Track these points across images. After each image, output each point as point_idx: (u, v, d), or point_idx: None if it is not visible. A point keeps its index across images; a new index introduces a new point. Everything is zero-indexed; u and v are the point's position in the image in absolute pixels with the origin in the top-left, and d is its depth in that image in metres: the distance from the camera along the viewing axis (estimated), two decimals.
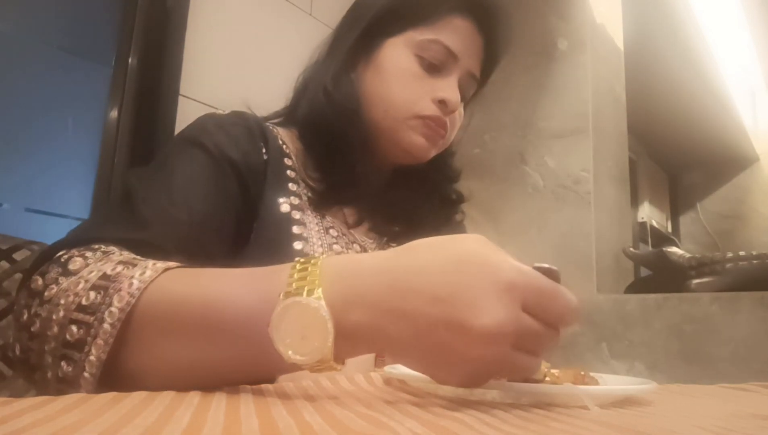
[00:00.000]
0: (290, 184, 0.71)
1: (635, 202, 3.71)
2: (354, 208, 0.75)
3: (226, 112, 0.72)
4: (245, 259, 0.63)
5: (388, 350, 0.39)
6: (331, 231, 0.71)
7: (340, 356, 0.37)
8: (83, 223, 0.58)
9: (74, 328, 0.41)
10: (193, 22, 1.39)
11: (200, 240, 0.58)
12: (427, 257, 0.38)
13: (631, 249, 1.84)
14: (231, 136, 0.66)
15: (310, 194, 0.71)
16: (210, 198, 0.61)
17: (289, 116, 0.78)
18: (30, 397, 0.32)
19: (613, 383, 0.47)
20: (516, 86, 1.90)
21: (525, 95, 1.88)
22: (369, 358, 0.58)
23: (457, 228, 0.88)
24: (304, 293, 0.37)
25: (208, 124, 0.67)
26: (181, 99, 1.34)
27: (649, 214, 3.97)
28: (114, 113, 1.33)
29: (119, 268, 0.44)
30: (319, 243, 0.68)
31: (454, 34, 0.73)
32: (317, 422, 0.30)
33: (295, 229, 0.67)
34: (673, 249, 1.71)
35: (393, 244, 0.76)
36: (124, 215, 0.56)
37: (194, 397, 0.35)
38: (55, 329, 0.42)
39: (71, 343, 0.41)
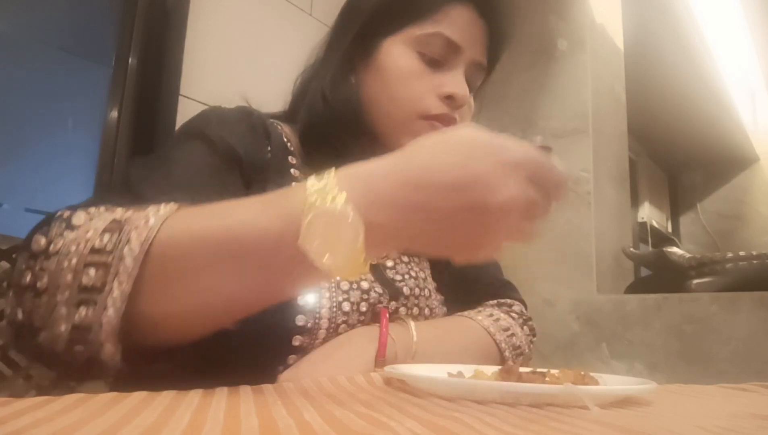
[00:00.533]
0: (294, 184, 0.69)
1: (635, 202, 3.71)
2: None
3: (231, 107, 0.70)
4: None
5: (412, 244, 0.41)
6: None
7: (368, 257, 0.39)
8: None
9: (91, 270, 0.40)
10: (193, 22, 1.39)
11: None
12: (434, 151, 0.40)
13: (631, 249, 1.84)
14: (235, 131, 0.65)
15: None
16: (211, 188, 0.60)
17: (288, 120, 0.76)
18: (30, 397, 0.32)
19: (613, 383, 0.47)
20: (516, 86, 1.90)
21: (525, 95, 1.88)
22: (369, 358, 0.58)
23: None
24: (329, 201, 0.38)
25: (211, 117, 0.66)
26: (181, 99, 1.34)
27: (649, 214, 3.97)
28: (114, 113, 1.33)
29: (128, 213, 0.42)
30: None
31: (454, 24, 0.69)
32: (317, 422, 0.30)
33: None
34: (673, 249, 1.71)
35: (400, 257, 0.72)
36: (124, 196, 0.55)
37: (194, 397, 0.35)
38: (69, 277, 0.40)
39: (89, 287, 0.39)
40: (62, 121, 1.30)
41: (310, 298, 0.58)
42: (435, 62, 0.69)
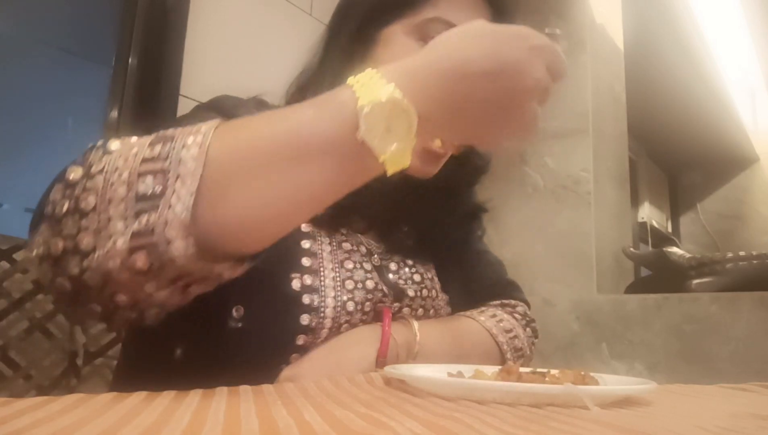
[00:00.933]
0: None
1: (635, 202, 3.71)
2: (363, 216, 0.69)
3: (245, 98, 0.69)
4: (254, 258, 0.61)
5: (453, 131, 0.45)
6: (341, 229, 0.67)
7: (419, 144, 0.43)
8: None
9: (148, 178, 0.38)
10: (193, 22, 1.39)
11: None
12: (464, 42, 0.43)
13: (631, 249, 1.84)
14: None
15: None
16: None
17: None
18: (30, 397, 0.32)
19: (613, 383, 0.47)
20: None
21: None
22: (371, 357, 0.58)
23: (478, 244, 0.83)
24: (379, 94, 0.40)
25: (226, 101, 0.66)
26: (181, 99, 1.34)
27: (649, 214, 3.97)
28: (114, 113, 1.33)
29: (171, 130, 0.41)
30: (328, 240, 0.64)
31: (453, 6, 0.66)
32: (317, 422, 0.30)
33: (303, 226, 0.64)
34: (673, 249, 1.71)
35: (404, 260, 0.70)
36: None
37: (194, 398, 0.35)
38: (122, 190, 0.38)
39: (147, 195, 0.38)
40: (62, 121, 1.30)
41: (315, 298, 0.58)
42: None
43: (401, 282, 0.67)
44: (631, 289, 1.76)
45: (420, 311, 0.68)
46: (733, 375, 1.37)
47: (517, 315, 0.77)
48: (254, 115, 0.43)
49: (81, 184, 0.40)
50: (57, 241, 0.40)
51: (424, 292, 0.69)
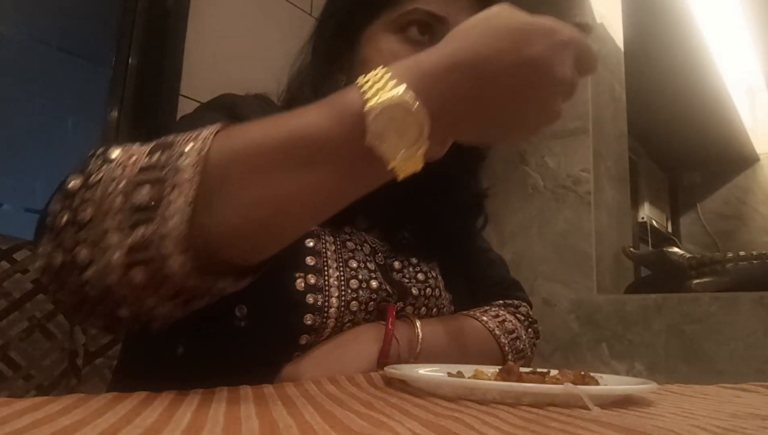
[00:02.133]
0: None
1: (635, 202, 3.71)
2: (365, 213, 0.69)
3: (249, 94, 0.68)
4: None
5: (469, 130, 0.42)
6: (344, 227, 0.66)
7: (431, 149, 0.39)
8: None
9: (144, 189, 0.37)
10: (193, 22, 1.39)
11: None
12: (483, 37, 0.40)
13: (631, 249, 1.84)
14: (253, 114, 0.63)
15: None
16: None
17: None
18: (30, 397, 0.32)
19: (613, 383, 0.47)
20: None
21: None
22: (372, 357, 0.58)
23: (482, 242, 0.83)
24: (389, 94, 0.37)
25: (227, 100, 0.65)
26: (181, 99, 1.34)
27: (649, 214, 3.96)
28: (114, 113, 1.33)
29: (171, 137, 0.40)
30: (332, 239, 0.64)
31: None
32: (317, 422, 0.30)
33: (308, 242, 0.62)
34: (673, 249, 1.71)
35: (408, 258, 0.70)
36: None
37: (194, 398, 0.35)
38: (118, 201, 0.37)
39: (143, 206, 0.37)
40: (62, 121, 1.30)
41: (319, 297, 0.58)
42: (419, 39, 0.64)
43: (405, 280, 0.67)
44: (631, 289, 1.76)
45: (423, 310, 0.68)
46: (733, 375, 1.37)
47: (520, 315, 0.77)
48: (257, 120, 0.41)
49: (80, 194, 0.39)
50: (56, 254, 0.39)
51: (428, 290, 0.68)
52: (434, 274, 0.71)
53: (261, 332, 0.55)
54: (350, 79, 0.67)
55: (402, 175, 0.39)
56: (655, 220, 3.97)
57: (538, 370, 0.48)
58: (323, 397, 0.38)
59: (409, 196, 0.70)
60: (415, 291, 0.67)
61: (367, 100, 0.37)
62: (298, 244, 0.59)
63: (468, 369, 0.49)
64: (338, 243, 0.64)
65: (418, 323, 0.63)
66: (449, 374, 0.47)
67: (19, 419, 0.27)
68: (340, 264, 0.61)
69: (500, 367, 0.49)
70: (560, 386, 0.39)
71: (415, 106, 0.37)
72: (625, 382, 0.48)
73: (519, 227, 1.81)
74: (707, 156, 4.12)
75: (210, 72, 1.41)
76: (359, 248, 0.65)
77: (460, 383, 0.42)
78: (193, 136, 0.39)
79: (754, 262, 1.56)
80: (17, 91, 1.24)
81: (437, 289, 0.70)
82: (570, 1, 1.87)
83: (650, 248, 3.45)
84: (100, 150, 0.41)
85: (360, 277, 0.62)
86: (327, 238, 0.63)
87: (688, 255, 1.67)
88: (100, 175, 0.38)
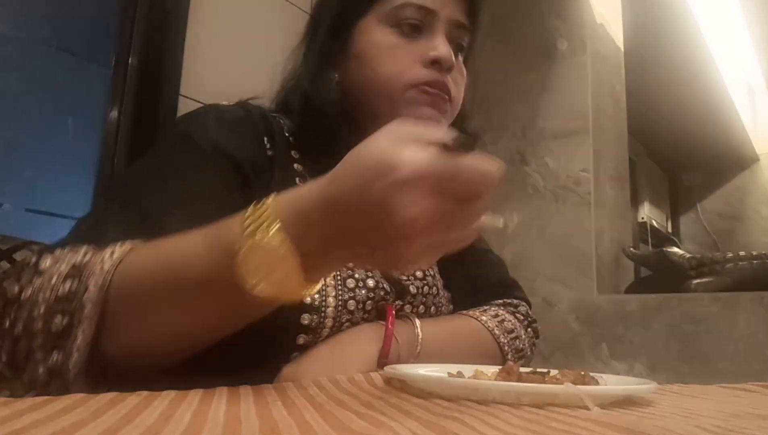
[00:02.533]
0: (298, 179, 0.66)
1: (635, 202, 3.71)
2: None
3: (232, 103, 0.69)
4: None
5: (340, 264, 0.45)
6: None
7: (306, 280, 0.40)
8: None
9: (58, 318, 0.44)
10: (193, 22, 1.39)
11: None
12: (347, 178, 0.39)
13: (631, 249, 1.84)
14: (232, 132, 0.63)
15: None
16: (204, 199, 0.58)
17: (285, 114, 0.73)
18: (30, 397, 0.32)
19: (613, 383, 0.47)
20: (516, 87, 1.90)
21: (525, 96, 1.88)
22: (372, 357, 0.58)
23: (481, 243, 0.84)
24: (263, 232, 0.39)
25: (209, 119, 0.64)
26: (181, 99, 1.34)
27: (649, 214, 3.96)
28: (114, 113, 1.33)
29: (88, 255, 0.46)
30: None
31: None
32: (317, 422, 0.30)
33: None
34: (673, 249, 1.71)
35: None
36: (95, 219, 0.56)
37: (194, 397, 0.35)
38: (40, 324, 0.44)
39: (58, 333, 0.43)
40: (62, 121, 1.30)
41: (316, 297, 0.57)
42: (412, 32, 0.67)
43: (403, 278, 0.67)
44: (631, 289, 1.76)
45: (421, 308, 0.68)
46: (733, 375, 1.37)
47: (519, 315, 0.77)
48: (157, 244, 0.46)
49: (15, 309, 0.45)
50: (2, 354, 0.47)
51: (426, 289, 0.69)
52: (432, 273, 0.72)
53: (257, 332, 0.55)
54: (343, 76, 0.69)
55: (282, 302, 0.41)
56: (655, 220, 3.97)
57: (538, 370, 0.48)
58: (323, 397, 0.38)
59: None
60: (413, 289, 0.67)
61: (241, 238, 0.40)
62: None
63: (468, 369, 0.49)
64: None
65: (417, 323, 0.63)
66: (449, 374, 0.47)
67: (19, 419, 0.27)
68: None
69: (500, 367, 0.49)
70: (560, 386, 0.39)
71: (284, 249, 0.39)
72: (625, 382, 0.48)
73: (519, 227, 1.81)
74: (707, 156, 4.12)
75: (210, 72, 1.41)
76: None
77: (460, 383, 0.42)
78: (97, 271, 0.44)
79: (754, 262, 1.56)
80: (17, 92, 1.24)
81: (435, 287, 0.70)
82: (570, 2, 1.88)
83: (650, 248, 3.45)
84: (34, 258, 0.48)
85: (357, 275, 0.61)
86: None
87: (688, 255, 1.67)
88: (29, 292, 0.45)
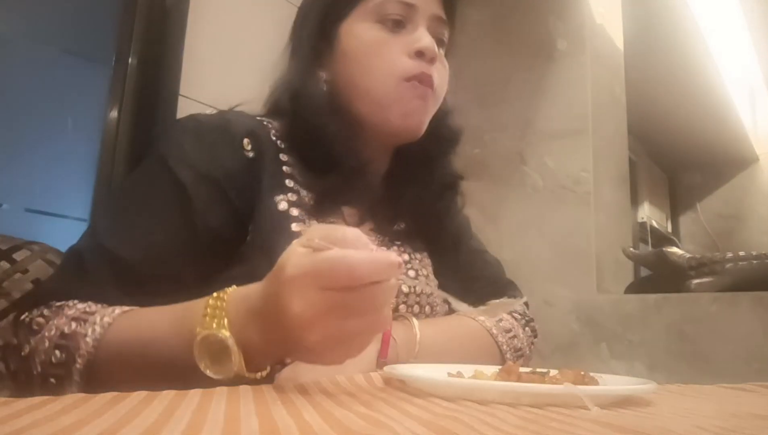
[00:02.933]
0: (287, 181, 0.68)
1: (635, 202, 3.71)
2: (354, 208, 0.72)
3: (214, 111, 0.70)
4: (243, 262, 0.62)
5: (280, 356, 0.50)
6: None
7: (252, 368, 0.46)
8: (49, 275, 0.68)
9: (52, 380, 0.53)
10: (193, 22, 1.39)
11: (153, 276, 0.60)
12: (268, 279, 0.45)
13: (631, 249, 1.84)
14: (207, 147, 0.64)
15: (306, 195, 0.68)
16: (173, 231, 0.61)
17: (269, 116, 0.75)
18: (30, 397, 0.32)
19: (613, 383, 0.47)
20: (515, 87, 1.90)
21: (524, 96, 1.88)
22: (371, 358, 0.58)
23: (460, 219, 0.85)
24: (214, 326, 0.45)
25: (186, 138, 0.65)
26: (181, 99, 1.34)
27: (649, 214, 3.97)
28: (114, 113, 1.33)
29: (73, 324, 0.54)
30: None
31: None
32: (317, 422, 0.30)
33: (294, 227, 0.65)
34: (673, 249, 1.71)
35: (397, 244, 0.73)
36: (76, 266, 0.60)
37: (194, 397, 0.35)
38: (38, 381, 0.53)
39: (52, 389, 0.52)
40: (62, 121, 1.30)
41: None
42: (395, 27, 0.71)
43: None
44: (631, 289, 1.76)
45: (416, 308, 0.68)
46: (733, 375, 1.37)
47: (516, 314, 0.77)
48: (134, 321, 0.54)
49: (15, 360, 0.56)
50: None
51: (418, 288, 0.69)
52: (425, 273, 0.72)
53: None
54: (331, 75, 0.72)
55: (238, 381, 0.44)
56: (655, 220, 3.97)
57: (538, 370, 0.48)
58: (323, 397, 0.38)
59: (393, 183, 0.76)
60: (405, 288, 0.67)
61: (199, 324, 0.46)
62: (285, 246, 0.62)
63: (468, 369, 0.49)
64: None
65: (415, 323, 0.63)
66: (449, 374, 0.47)
67: (19, 419, 0.27)
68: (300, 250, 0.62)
69: (500, 367, 0.49)
70: (560, 386, 0.39)
71: (230, 341, 0.44)
72: (625, 382, 0.48)
73: (519, 227, 1.81)
74: (707, 156, 4.12)
75: (210, 72, 1.41)
76: None
77: (460, 383, 0.42)
78: (83, 347, 0.52)
79: (754, 262, 1.55)
80: (17, 91, 1.24)
81: (428, 287, 0.71)
82: (569, 2, 1.87)
83: (650, 248, 3.45)
84: (27, 317, 0.56)
85: None
86: None
87: (687, 255, 1.67)
88: (27, 350, 0.54)
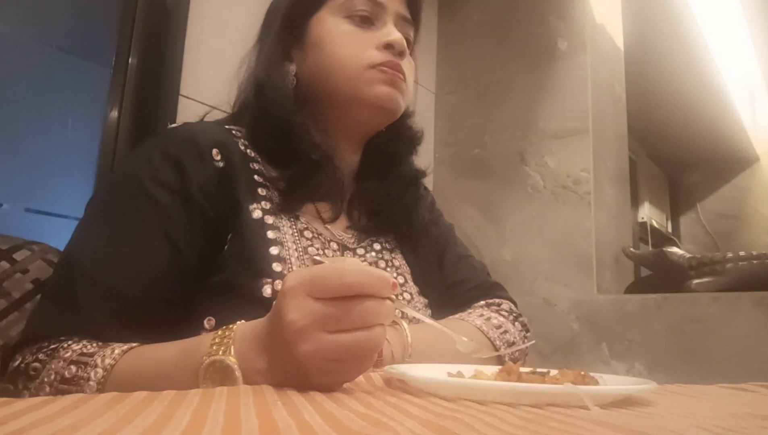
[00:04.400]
0: (260, 189, 0.69)
1: (635, 202, 3.71)
2: (327, 203, 0.74)
3: (179, 124, 0.71)
4: (221, 270, 0.63)
5: (280, 384, 0.49)
6: (305, 232, 0.69)
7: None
8: (34, 312, 0.65)
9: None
10: (193, 22, 1.39)
11: (145, 301, 0.60)
12: (273, 307, 0.45)
13: (631, 249, 1.84)
14: (178, 163, 0.64)
15: (277, 198, 0.70)
16: (160, 254, 0.61)
17: (236, 120, 0.76)
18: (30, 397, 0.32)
19: (613, 383, 0.47)
20: (516, 87, 1.90)
21: (525, 96, 1.88)
22: None
23: (443, 225, 0.88)
24: (220, 353, 0.47)
25: (153, 155, 0.65)
26: (181, 99, 1.34)
27: (649, 214, 3.97)
28: (114, 113, 1.33)
29: (72, 368, 0.53)
30: (294, 246, 0.67)
31: None
32: (317, 422, 0.30)
33: (270, 234, 0.66)
34: (673, 249, 1.71)
35: (372, 239, 0.76)
36: (65, 302, 0.59)
37: (194, 397, 0.35)
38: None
39: None
40: (62, 121, 1.30)
41: None
42: (364, 22, 0.74)
43: None
44: (631, 289, 1.76)
45: (397, 312, 0.68)
46: (733, 375, 1.37)
47: (503, 312, 0.78)
48: (136, 362, 0.54)
49: (22, 380, 0.56)
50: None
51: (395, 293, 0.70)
52: (403, 280, 0.75)
53: None
54: (299, 66, 0.75)
55: None
56: (655, 220, 3.97)
57: (538, 370, 0.48)
58: (323, 397, 0.38)
59: (363, 180, 0.78)
60: None
61: (207, 353, 0.47)
62: (262, 254, 0.64)
63: (468, 369, 0.49)
64: (300, 249, 0.67)
65: (405, 325, 0.64)
66: (449, 374, 0.47)
67: (19, 419, 0.27)
68: (305, 267, 0.63)
69: (500, 366, 0.49)
70: (560, 386, 0.39)
71: (236, 371, 0.46)
72: (625, 382, 0.48)
73: (519, 227, 1.81)
74: (707, 156, 4.12)
75: (210, 72, 1.41)
76: (323, 252, 0.69)
77: (460, 383, 0.42)
78: (86, 391, 0.52)
79: (754, 262, 1.55)
80: (17, 91, 1.24)
81: (408, 293, 0.73)
82: (569, 2, 1.87)
83: (650, 248, 3.45)
84: (22, 364, 0.56)
85: None
86: (290, 245, 0.66)
87: (688, 255, 1.67)
88: (26, 397, 0.50)
